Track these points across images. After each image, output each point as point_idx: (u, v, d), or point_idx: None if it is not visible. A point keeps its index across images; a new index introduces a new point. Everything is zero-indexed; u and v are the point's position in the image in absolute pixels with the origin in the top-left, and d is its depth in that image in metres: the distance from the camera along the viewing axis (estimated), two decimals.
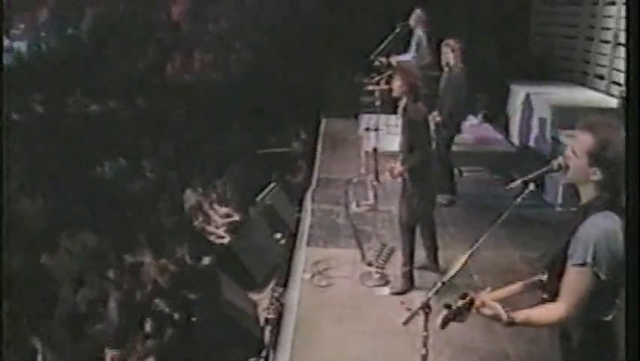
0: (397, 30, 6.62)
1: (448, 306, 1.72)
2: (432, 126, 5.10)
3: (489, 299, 1.75)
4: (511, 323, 1.72)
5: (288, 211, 5.49)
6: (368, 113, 7.97)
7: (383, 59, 6.77)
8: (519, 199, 1.95)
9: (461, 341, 3.40)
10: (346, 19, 8.87)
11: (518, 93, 7.00)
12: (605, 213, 1.69)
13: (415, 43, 6.61)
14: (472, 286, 4.02)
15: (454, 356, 3.33)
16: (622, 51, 6.40)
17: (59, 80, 8.33)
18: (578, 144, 1.75)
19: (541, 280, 1.87)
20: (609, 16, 6.65)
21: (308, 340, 3.42)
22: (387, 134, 6.97)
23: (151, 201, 5.99)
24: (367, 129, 7.22)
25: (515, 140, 7.13)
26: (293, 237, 5.11)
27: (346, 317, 3.71)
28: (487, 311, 1.72)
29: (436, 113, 5.47)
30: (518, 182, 1.98)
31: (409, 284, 3.94)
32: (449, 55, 5.33)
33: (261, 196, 5.73)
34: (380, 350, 3.37)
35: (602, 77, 6.85)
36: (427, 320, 2.13)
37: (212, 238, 5.82)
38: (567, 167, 1.84)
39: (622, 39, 6.41)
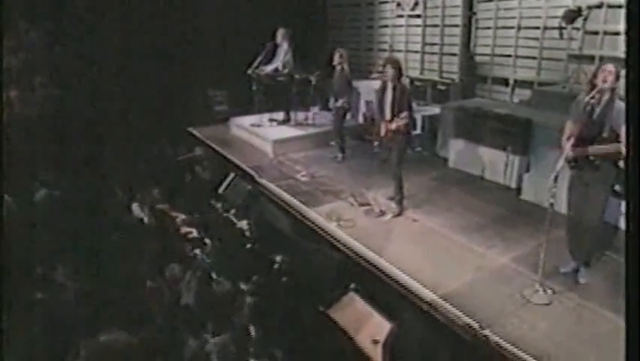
0: (269, 46, 7.08)
1: None
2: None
3: None
4: None
5: None
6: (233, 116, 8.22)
7: (257, 71, 7.17)
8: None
9: None
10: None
11: None
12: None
13: (282, 54, 7.15)
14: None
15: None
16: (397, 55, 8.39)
17: None
18: (609, 74, 3.12)
19: None
20: (384, 34, 8.56)
21: (395, 259, 3.95)
22: (270, 127, 7.44)
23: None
24: (253, 125, 7.61)
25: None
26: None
27: (391, 239, 4.38)
28: None
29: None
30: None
31: (402, 207, 4.81)
32: (338, 59, 6.24)
33: (223, 188, 5.58)
34: (434, 249, 4.19)
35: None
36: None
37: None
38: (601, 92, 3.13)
39: (396, 47, 8.41)
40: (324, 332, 3.44)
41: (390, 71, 4.60)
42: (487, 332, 3.06)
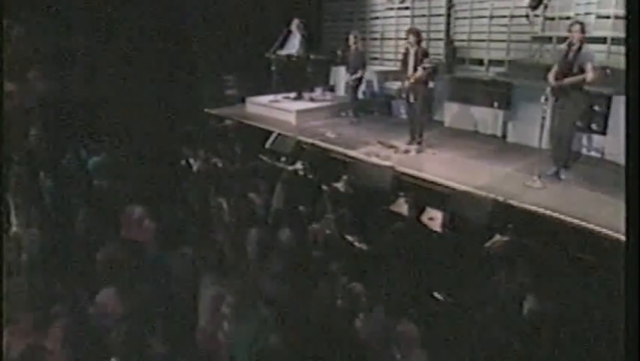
0: (284, 33, 8.47)
1: None
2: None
3: None
4: None
5: None
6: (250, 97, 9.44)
7: (276, 53, 8.51)
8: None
9: None
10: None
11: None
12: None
13: (297, 40, 8.54)
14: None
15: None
16: (387, 44, 10.04)
17: None
18: (576, 30, 4.74)
19: None
20: (375, 25, 10.21)
21: (431, 172, 5.48)
22: (290, 102, 8.78)
23: None
24: (271, 101, 8.90)
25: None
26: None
27: (421, 163, 5.91)
28: None
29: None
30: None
31: (422, 147, 6.36)
32: (352, 40, 7.75)
33: (269, 142, 6.85)
34: (455, 167, 5.77)
35: (376, 59, 10.38)
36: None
37: None
38: (571, 43, 4.79)
39: (387, 35, 10.06)
40: (389, 218, 4.83)
41: (412, 37, 6.20)
42: (510, 201, 4.63)
